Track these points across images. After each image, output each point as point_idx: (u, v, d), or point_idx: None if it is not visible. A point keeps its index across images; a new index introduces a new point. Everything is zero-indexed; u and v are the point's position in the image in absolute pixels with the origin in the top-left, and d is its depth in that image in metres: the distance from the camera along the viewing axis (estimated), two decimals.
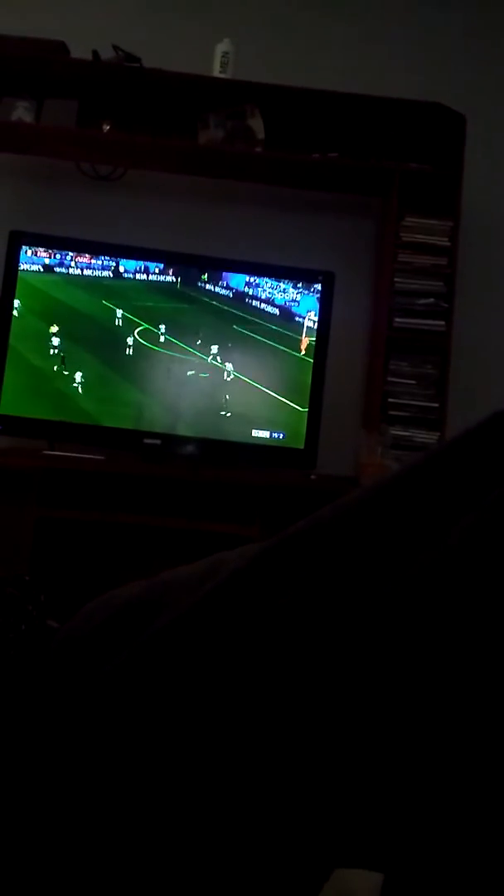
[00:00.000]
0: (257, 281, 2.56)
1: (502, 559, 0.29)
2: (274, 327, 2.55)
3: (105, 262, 2.55)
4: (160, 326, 2.54)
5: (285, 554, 0.34)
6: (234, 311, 2.56)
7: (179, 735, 0.35)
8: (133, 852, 0.39)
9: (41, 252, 2.53)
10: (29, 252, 2.53)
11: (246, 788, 0.35)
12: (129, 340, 2.53)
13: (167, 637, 0.36)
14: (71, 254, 2.54)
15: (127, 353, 2.52)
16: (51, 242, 2.54)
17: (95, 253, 2.54)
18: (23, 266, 2.52)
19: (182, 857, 0.38)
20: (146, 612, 0.38)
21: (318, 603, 0.32)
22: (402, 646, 0.30)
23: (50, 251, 2.53)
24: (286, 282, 2.55)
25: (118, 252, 2.55)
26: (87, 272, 2.55)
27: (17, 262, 2.51)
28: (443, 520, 0.30)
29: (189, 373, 2.54)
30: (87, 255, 2.54)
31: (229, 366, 2.54)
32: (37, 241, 2.54)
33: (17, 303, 2.51)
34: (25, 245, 2.52)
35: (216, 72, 2.56)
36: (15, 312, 2.50)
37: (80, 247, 2.54)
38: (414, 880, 0.47)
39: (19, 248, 2.52)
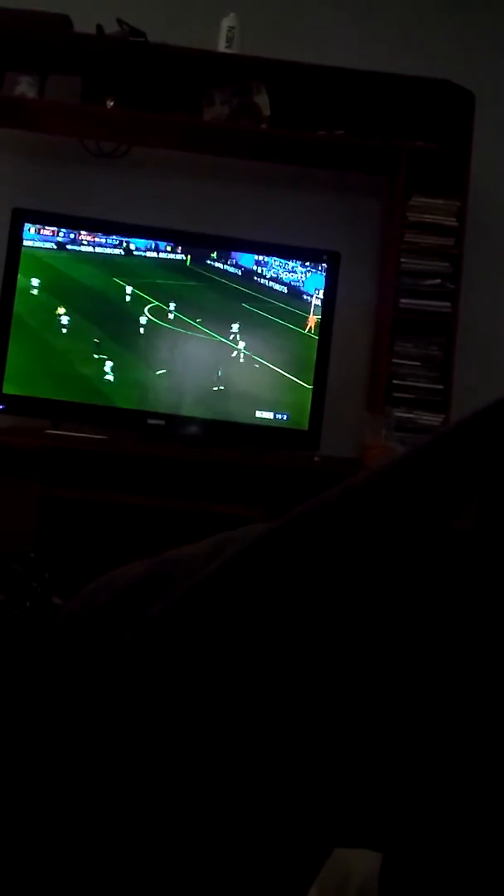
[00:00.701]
0: (266, 259, 2.54)
1: None
2: (281, 304, 2.54)
3: (110, 240, 2.53)
4: (170, 304, 2.52)
5: (292, 535, 0.34)
6: (242, 289, 2.54)
7: (180, 716, 0.35)
8: (133, 832, 0.39)
9: (45, 230, 2.52)
10: (32, 229, 2.51)
11: (247, 768, 0.35)
12: (143, 320, 2.51)
13: (170, 619, 0.36)
14: (74, 231, 2.52)
15: (141, 332, 2.51)
16: (55, 220, 2.52)
17: (99, 231, 2.52)
18: (27, 243, 2.50)
19: (180, 833, 0.38)
20: (150, 593, 0.38)
21: (325, 585, 0.32)
22: (410, 630, 0.29)
23: (54, 229, 2.52)
24: (293, 261, 2.53)
25: (122, 230, 2.53)
26: (94, 249, 2.53)
27: (20, 239, 2.49)
28: (453, 503, 0.30)
29: (193, 352, 2.53)
30: (90, 233, 2.52)
31: (241, 345, 2.53)
32: (40, 218, 2.52)
33: (22, 280, 2.49)
34: (29, 222, 2.51)
35: (221, 47, 2.52)
36: (30, 290, 2.49)
37: (84, 224, 2.52)
38: (414, 860, 0.47)
39: (22, 226, 2.50)
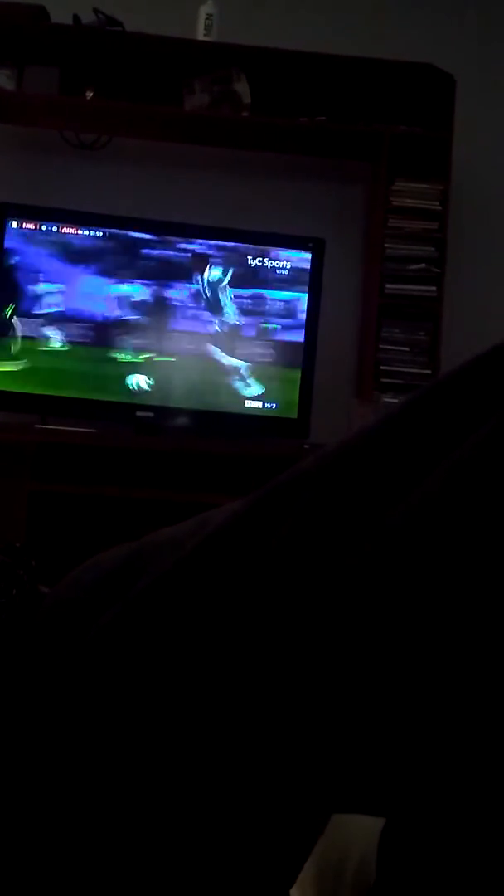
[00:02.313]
0: (253, 248, 2.52)
1: (480, 504, 0.28)
2: (270, 293, 2.53)
3: (94, 231, 2.51)
4: (155, 295, 2.51)
5: (270, 506, 0.34)
6: (229, 278, 2.53)
7: (169, 687, 0.35)
8: (129, 817, 0.39)
9: (27, 223, 2.50)
10: (14, 224, 2.49)
11: (238, 739, 0.35)
12: (129, 311, 2.50)
13: (155, 593, 0.36)
14: (57, 224, 2.50)
15: (126, 324, 2.50)
16: (37, 213, 2.50)
17: (83, 223, 2.51)
18: (8, 236, 2.48)
19: (173, 806, 0.38)
20: (135, 571, 0.38)
21: (303, 552, 0.32)
22: (388, 593, 0.30)
23: (36, 222, 2.50)
24: (278, 249, 2.53)
25: (105, 222, 2.52)
26: (79, 241, 2.52)
27: (2, 234, 2.47)
28: (423, 467, 0.30)
29: (180, 343, 2.52)
30: (74, 225, 2.50)
31: (228, 332, 2.52)
32: (23, 212, 2.50)
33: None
34: (11, 217, 2.49)
35: (200, 35, 2.50)
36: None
37: (67, 217, 2.51)
38: (415, 826, 0.47)
39: (5, 220, 2.48)
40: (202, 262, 2.53)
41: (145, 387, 2.47)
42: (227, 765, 0.36)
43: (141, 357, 2.51)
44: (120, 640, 0.36)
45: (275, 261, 2.53)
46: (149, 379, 2.49)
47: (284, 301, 2.53)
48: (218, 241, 2.53)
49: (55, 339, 2.50)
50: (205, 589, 0.33)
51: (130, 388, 2.48)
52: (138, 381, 2.48)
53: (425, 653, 0.30)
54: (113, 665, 0.36)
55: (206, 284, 2.53)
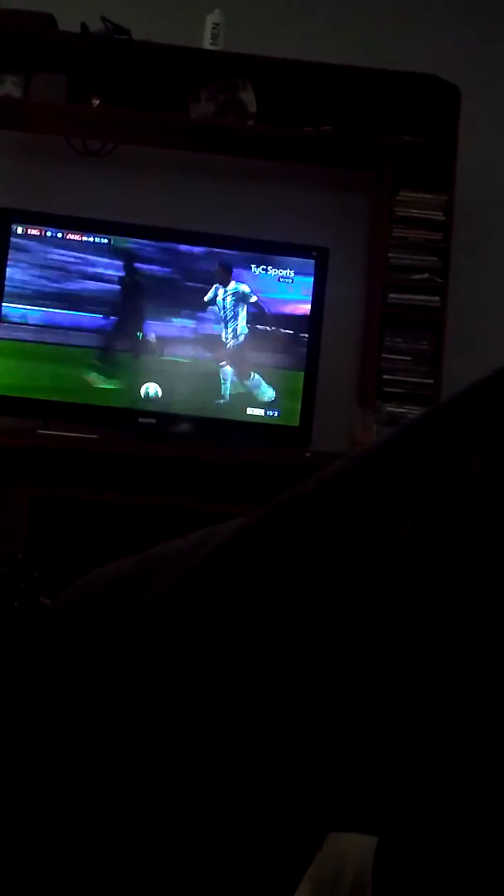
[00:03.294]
0: (256, 256, 2.53)
1: (484, 526, 0.29)
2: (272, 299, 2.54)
3: (98, 238, 2.52)
4: (158, 302, 2.52)
5: (272, 524, 0.34)
6: (232, 284, 2.54)
7: (174, 696, 0.35)
8: (130, 829, 0.39)
9: (32, 229, 2.51)
10: (20, 229, 2.50)
11: (239, 756, 0.35)
12: (132, 316, 2.51)
13: (159, 607, 0.36)
14: (63, 231, 2.51)
15: (130, 330, 2.51)
16: (42, 219, 2.51)
17: (88, 230, 2.52)
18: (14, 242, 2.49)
19: (174, 820, 0.38)
20: (137, 585, 0.38)
21: (304, 570, 0.32)
22: (387, 612, 0.30)
23: (41, 228, 2.51)
24: (282, 257, 2.53)
25: (110, 228, 2.53)
26: (83, 248, 2.52)
27: (7, 239, 2.48)
28: (424, 489, 0.30)
29: (183, 349, 2.53)
30: (78, 232, 2.51)
31: (230, 340, 2.52)
32: (28, 218, 2.51)
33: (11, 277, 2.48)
34: (16, 222, 2.49)
35: (207, 44, 2.52)
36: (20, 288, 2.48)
37: (72, 223, 2.52)
38: (409, 843, 0.47)
39: (10, 226, 2.49)
40: (227, 274, 2.51)
41: (153, 394, 2.47)
42: (228, 778, 0.36)
43: (143, 363, 2.52)
44: (124, 654, 0.36)
45: (279, 269, 2.53)
46: (158, 387, 2.50)
47: (288, 309, 2.53)
48: (222, 248, 2.54)
49: (55, 342, 2.50)
50: (207, 605, 0.34)
51: (142, 395, 2.48)
52: (148, 388, 2.48)
53: (429, 670, 0.30)
54: (117, 677, 0.36)
55: (225, 294, 2.53)
